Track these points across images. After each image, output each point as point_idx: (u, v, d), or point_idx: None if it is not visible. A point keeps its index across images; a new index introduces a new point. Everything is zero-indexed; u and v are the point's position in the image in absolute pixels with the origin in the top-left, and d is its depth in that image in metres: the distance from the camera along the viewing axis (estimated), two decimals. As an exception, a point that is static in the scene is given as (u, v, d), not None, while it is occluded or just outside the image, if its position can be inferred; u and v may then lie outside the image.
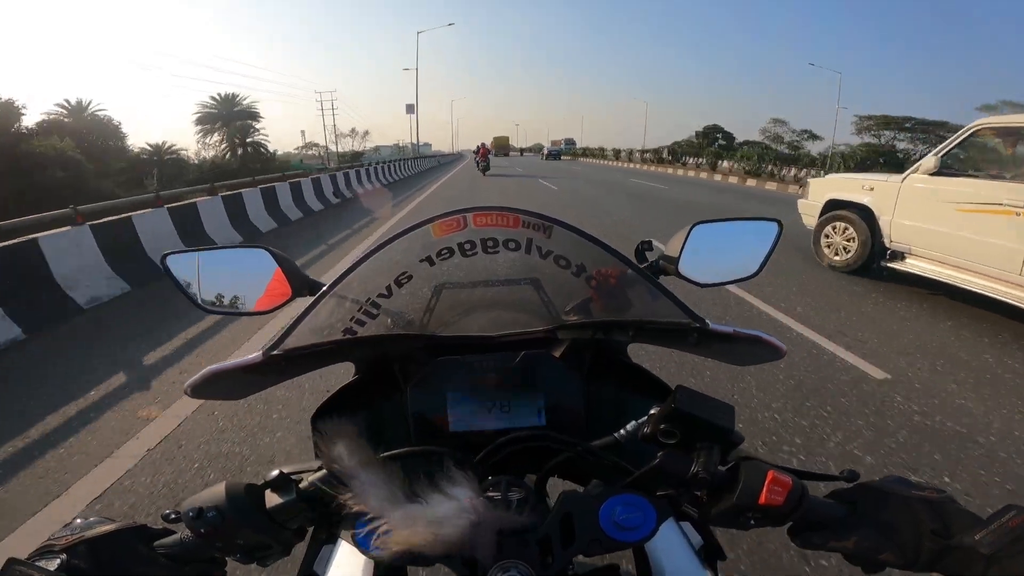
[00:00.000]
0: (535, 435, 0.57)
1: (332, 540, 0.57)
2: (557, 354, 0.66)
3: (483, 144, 24.77)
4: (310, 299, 0.69)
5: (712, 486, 0.45)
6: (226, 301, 0.68)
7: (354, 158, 45.74)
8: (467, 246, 0.59)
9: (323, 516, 0.50)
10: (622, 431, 0.53)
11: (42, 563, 0.41)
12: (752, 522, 0.45)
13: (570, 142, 79.55)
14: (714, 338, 0.58)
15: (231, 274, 0.69)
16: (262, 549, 0.49)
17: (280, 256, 0.70)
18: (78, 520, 0.47)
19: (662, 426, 0.47)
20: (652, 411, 0.50)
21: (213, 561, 0.49)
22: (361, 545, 0.45)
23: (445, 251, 0.59)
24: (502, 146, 72.86)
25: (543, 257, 0.60)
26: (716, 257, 0.73)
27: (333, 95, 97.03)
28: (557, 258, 0.60)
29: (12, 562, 0.40)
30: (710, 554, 0.62)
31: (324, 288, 0.58)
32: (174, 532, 0.48)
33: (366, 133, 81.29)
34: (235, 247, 0.69)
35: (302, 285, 0.70)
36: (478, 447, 0.56)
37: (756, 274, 0.75)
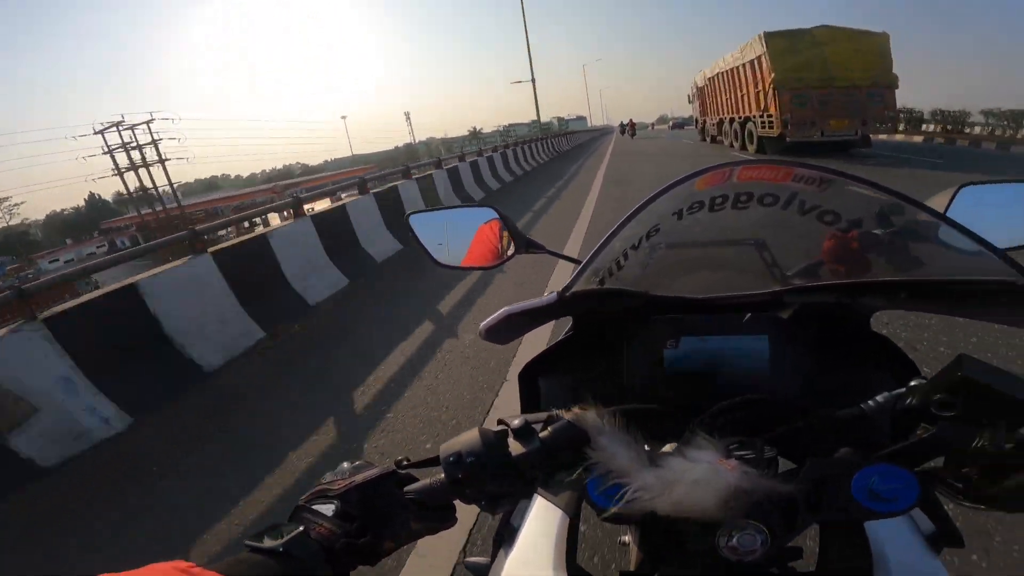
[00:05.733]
0: (768, 399, 0.55)
1: (528, 494, 0.57)
2: (784, 317, 0.63)
3: (631, 120, 42.55)
4: (526, 255, 0.74)
5: (1000, 462, 0.40)
6: (459, 256, 0.78)
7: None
8: (718, 200, 0.57)
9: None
10: (871, 402, 0.49)
11: (319, 507, 0.47)
12: None
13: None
14: None
15: (463, 231, 0.78)
16: (503, 497, 0.49)
17: (504, 216, 0.77)
18: (345, 464, 0.52)
19: (938, 396, 0.43)
20: (913, 382, 0.46)
21: (448, 507, 0.51)
22: (598, 502, 0.45)
23: (696, 204, 0.58)
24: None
25: (803, 213, 0.56)
26: (987, 221, 0.62)
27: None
28: (823, 213, 0.56)
29: (300, 508, 0.47)
30: (940, 541, 0.56)
31: (611, 231, 0.59)
32: (416, 478, 0.51)
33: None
34: (466, 206, 0.77)
35: (522, 243, 0.76)
36: (695, 408, 0.54)
37: None
